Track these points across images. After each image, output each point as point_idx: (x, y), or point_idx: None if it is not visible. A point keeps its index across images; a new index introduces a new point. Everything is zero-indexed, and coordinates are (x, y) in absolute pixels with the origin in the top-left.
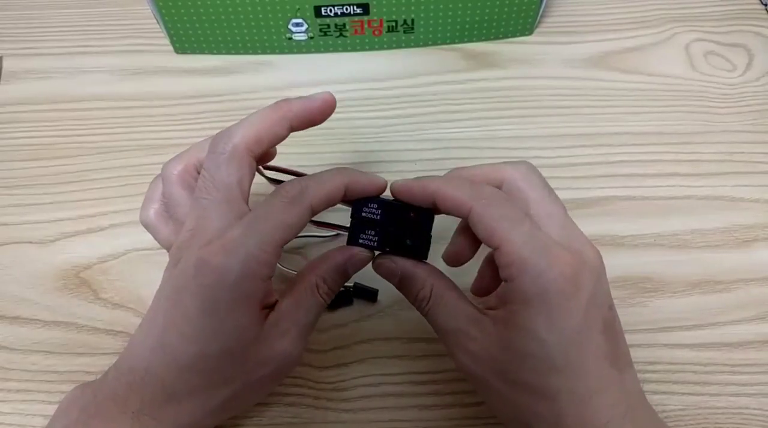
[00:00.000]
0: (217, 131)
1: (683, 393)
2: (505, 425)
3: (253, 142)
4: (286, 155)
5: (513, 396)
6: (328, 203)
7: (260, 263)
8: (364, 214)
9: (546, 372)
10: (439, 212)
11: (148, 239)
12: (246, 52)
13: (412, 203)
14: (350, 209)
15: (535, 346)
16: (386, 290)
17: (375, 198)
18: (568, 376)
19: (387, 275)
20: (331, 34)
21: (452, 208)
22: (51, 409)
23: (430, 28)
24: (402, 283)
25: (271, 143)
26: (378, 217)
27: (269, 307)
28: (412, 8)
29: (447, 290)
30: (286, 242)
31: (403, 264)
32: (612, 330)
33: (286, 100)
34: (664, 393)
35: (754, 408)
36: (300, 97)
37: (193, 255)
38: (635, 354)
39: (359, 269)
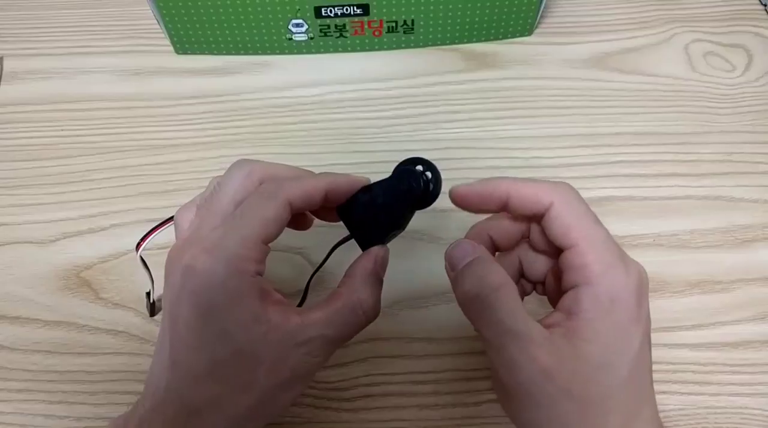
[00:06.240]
0: (215, 130)
1: (683, 393)
2: None
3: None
4: (287, 155)
5: (571, 408)
6: (307, 201)
7: (244, 259)
8: (354, 214)
9: (614, 385)
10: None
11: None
12: (246, 53)
13: (478, 208)
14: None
15: (613, 356)
16: (386, 291)
17: (352, 197)
18: (627, 391)
19: (459, 256)
20: (332, 35)
21: (529, 204)
22: (52, 409)
23: (430, 29)
24: (475, 264)
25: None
26: (365, 210)
27: (277, 303)
28: (412, 9)
29: (515, 289)
30: (270, 239)
31: (483, 252)
32: (650, 347)
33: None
34: (664, 392)
35: (753, 408)
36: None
37: (180, 265)
38: None
39: (386, 266)
